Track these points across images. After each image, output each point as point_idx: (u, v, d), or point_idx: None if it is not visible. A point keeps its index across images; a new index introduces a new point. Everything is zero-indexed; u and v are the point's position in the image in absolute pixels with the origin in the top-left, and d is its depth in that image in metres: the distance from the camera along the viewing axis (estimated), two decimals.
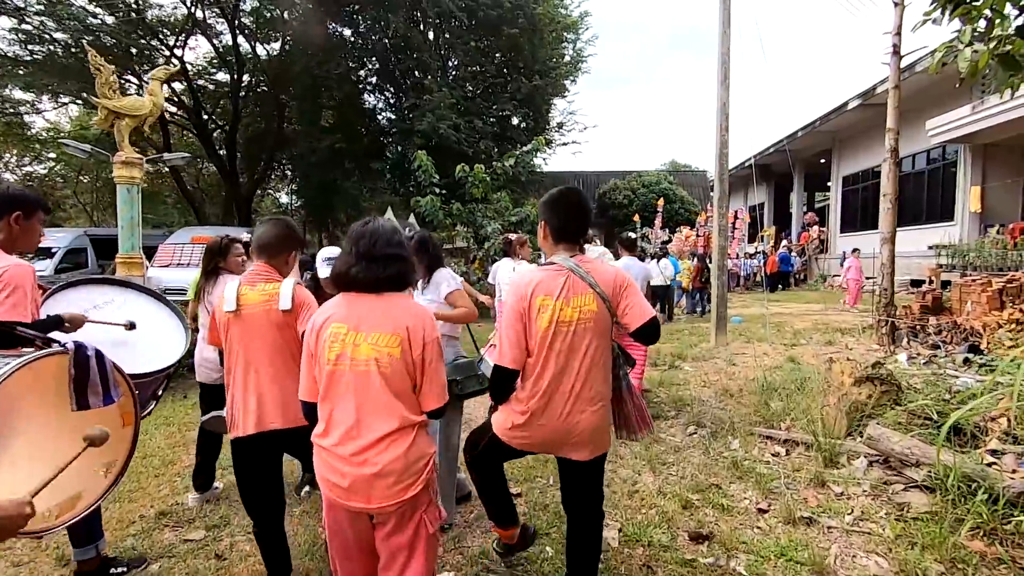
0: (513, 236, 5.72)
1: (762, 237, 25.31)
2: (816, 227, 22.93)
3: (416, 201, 11.73)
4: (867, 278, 18.41)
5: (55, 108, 24.62)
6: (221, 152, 23.70)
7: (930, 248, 14.49)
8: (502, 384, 2.09)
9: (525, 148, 11.93)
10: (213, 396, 3.29)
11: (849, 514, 2.96)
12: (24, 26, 18.23)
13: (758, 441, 4.06)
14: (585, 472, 2.13)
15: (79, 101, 21.24)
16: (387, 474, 1.65)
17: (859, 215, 20.72)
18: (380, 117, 21.42)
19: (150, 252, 11.87)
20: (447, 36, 18.87)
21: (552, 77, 18.88)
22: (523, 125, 19.42)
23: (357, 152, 20.87)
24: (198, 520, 3.10)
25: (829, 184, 28.08)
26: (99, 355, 2.01)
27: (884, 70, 8.07)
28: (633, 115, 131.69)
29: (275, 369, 2.18)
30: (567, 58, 20.30)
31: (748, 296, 18.05)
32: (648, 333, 2.02)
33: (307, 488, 3.44)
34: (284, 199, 35.23)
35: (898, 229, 16.04)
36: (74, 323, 2.33)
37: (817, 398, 4.32)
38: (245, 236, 3.70)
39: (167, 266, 11.10)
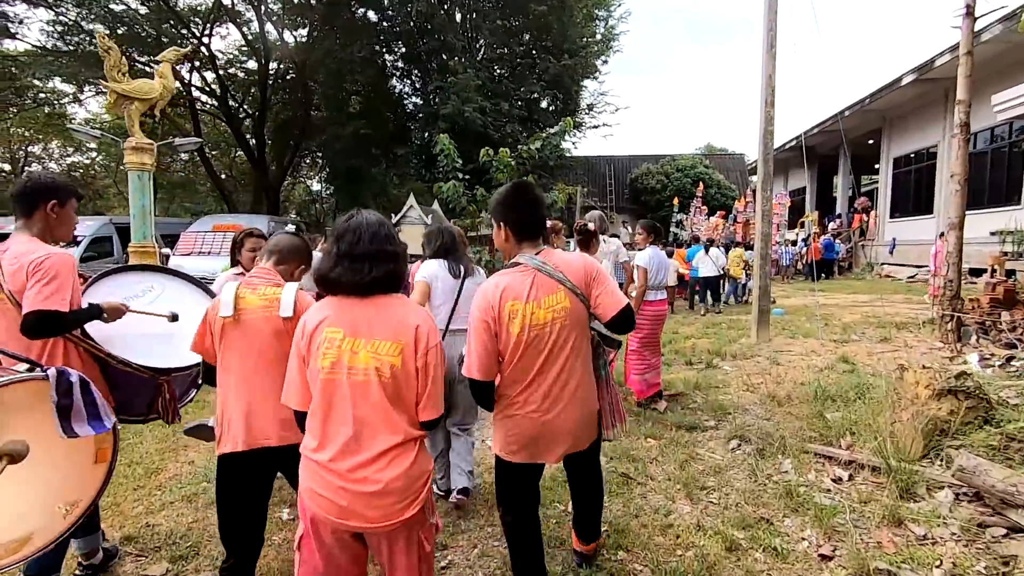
0: (548, 223, 5.23)
1: (803, 223, 24.10)
2: (872, 212, 21.72)
3: (438, 187, 11.26)
4: (919, 267, 17.30)
5: (93, 96, 25.13)
6: (251, 140, 23.77)
7: (992, 234, 13.38)
8: (478, 394, 2.06)
9: (552, 130, 11.31)
10: None
11: (937, 566, 2.39)
12: (60, 18, 18.46)
13: (814, 462, 3.49)
14: (582, 458, 2.24)
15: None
16: (389, 492, 1.54)
17: (911, 199, 19.47)
18: (406, 102, 21.02)
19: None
20: (473, 16, 18.27)
21: (582, 56, 18.08)
22: (552, 108, 18.75)
23: (383, 138, 20.58)
24: (165, 549, 2.72)
25: (876, 167, 26.66)
26: (83, 382, 1.88)
27: (941, 43, 7.21)
28: (666, 100, 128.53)
29: (272, 381, 1.98)
30: (598, 36, 19.45)
31: (788, 286, 17.11)
32: (621, 322, 1.99)
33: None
34: (316, 187, 35.42)
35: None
36: (113, 313, 2.23)
37: (883, 411, 3.71)
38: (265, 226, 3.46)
39: (188, 254, 10.97)
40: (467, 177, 11.75)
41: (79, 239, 11.47)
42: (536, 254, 2.00)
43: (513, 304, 1.92)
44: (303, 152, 27.08)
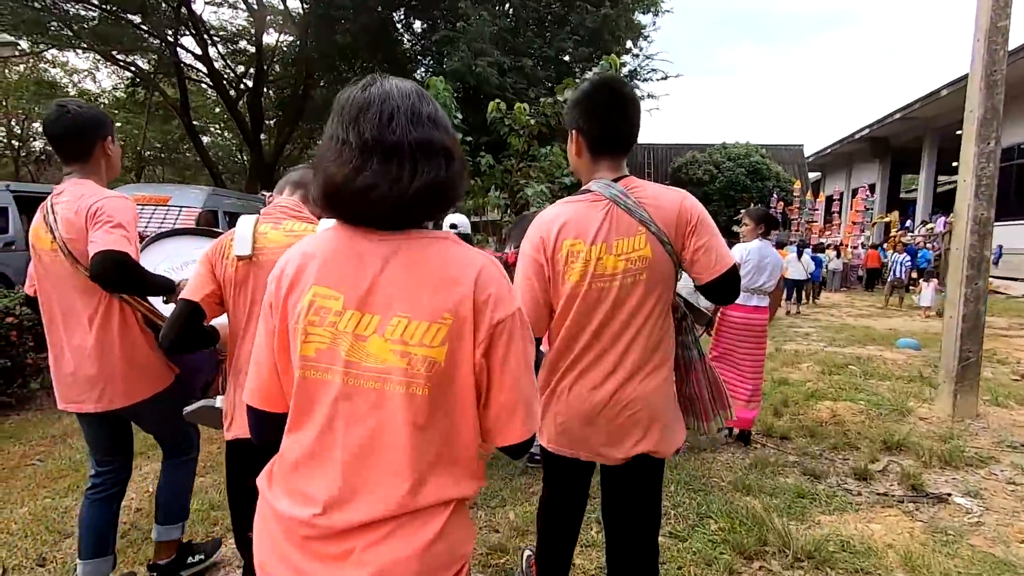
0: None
1: (875, 224, 20.49)
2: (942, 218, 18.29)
3: None
4: None
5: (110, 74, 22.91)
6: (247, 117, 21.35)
7: None
8: None
9: (590, 73, 8.15)
10: None
11: None
12: None
13: None
14: (639, 474, 1.50)
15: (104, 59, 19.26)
16: None
17: None
18: (411, 61, 17.93)
19: None
20: None
21: (626, 5, 14.73)
22: (587, 72, 15.49)
23: None
24: None
25: (955, 164, 22.98)
26: None
27: None
28: (706, 100, 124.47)
29: None
30: None
31: (870, 299, 13.57)
32: (722, 288, 1.41)
33: None
34: None
35: None
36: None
37: None
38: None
39: None
40: (470, 139, 8.71)
41: None
42: (616, 180, 1.42)
43: (574, 243, 1.40)
44: (305, 129, 24.55)
